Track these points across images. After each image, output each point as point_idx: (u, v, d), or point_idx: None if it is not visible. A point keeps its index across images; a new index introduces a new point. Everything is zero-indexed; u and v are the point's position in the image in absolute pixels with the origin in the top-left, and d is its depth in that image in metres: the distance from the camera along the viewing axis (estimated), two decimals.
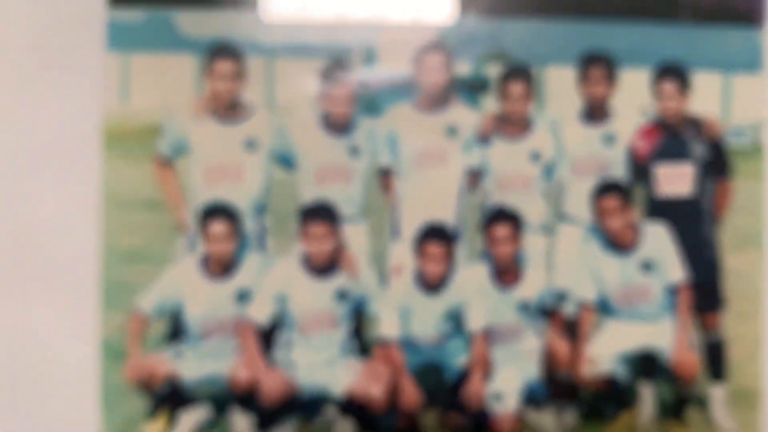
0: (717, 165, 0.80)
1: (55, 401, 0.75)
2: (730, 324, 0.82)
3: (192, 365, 0.80)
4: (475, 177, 0.82)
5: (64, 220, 0.75)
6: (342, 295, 0.80)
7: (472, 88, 0.80)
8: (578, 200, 0.82)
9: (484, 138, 0.81)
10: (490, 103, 0.80)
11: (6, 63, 0.73)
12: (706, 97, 0.80)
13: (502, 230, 0.79)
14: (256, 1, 0.79)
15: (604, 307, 0.82)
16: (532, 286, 0.82)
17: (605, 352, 0.82)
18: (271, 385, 0.78)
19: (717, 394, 0.82)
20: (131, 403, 0.78)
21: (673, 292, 0.82)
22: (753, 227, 0.79)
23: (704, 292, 0.82)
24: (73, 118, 0.74)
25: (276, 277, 0.80)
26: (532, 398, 0.83)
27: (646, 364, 0.83)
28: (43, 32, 0.73)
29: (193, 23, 0.76)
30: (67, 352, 0.75)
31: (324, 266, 0.79)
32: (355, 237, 0.82)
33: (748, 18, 0.77)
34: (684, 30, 0.78)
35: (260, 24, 0.77)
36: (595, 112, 0.80)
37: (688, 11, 0.77)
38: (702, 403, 0.83)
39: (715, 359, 0.83)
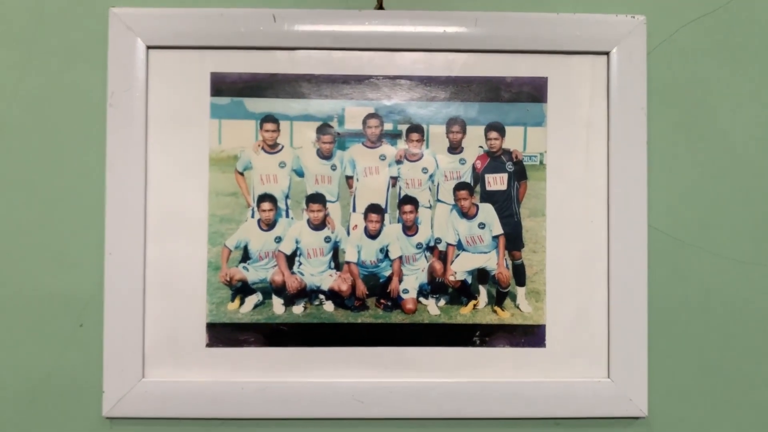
0: (519, 174, 1.11)
1: (184, 292, 1.08)
2: (527, 255, 1.12)
3: (253, 273, 1.11)
4: (394, 181, 1.12)
5: (192, 203, 1.08)
6: (327, 239, 1.13)
7: (392, 136, 1.12)
8: (447, 192, 1.13)
9: (398, 161, 1.12)
10: (402, 144, 1.12)
11: (162, 128, 1.08)
12: (514, 139, 1.12)
13: (408, 207, 1.12)
14: (284, 94, 1.09)
15: (460, 246, 1.13)
16: (423, 235, 1.13)
17: (461, 268, 1.13)
18: (291, 284, 1.11)
19: (520, 292, 1.11)
20: (222, 293, 1.10)
21: (496, 239, 1.13)
22: (538, 206, 1.11)
23: (512, 239, 1.12)
24: (196, 153, 1.08)
25: (294, 230, 1.11)
26: (423, 292, 1.13)
27: (482, 275, 1.14)
28: (184, 112, 1.08)
29: (254, 104, 1.09)
30: (190, 267, 1.08)
31: (318, 225, 1.12)
32: (334, 211, 1.13)
33: (537, 98, 1.11)
34: (502, 105, 1.10)
35: (286, 105, 1.09)
36: (455, 148, 1.11)
37: (505, 95, 1.10)
38: (513, 297, 1.12)
39: (519, 274, 1.12)
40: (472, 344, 1.12)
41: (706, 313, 1.14)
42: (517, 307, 1.13)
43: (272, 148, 1.11)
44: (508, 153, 1.13)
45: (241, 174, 1.11)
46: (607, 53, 1.11)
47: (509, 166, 1.13)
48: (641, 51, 1.11)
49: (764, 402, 1.14)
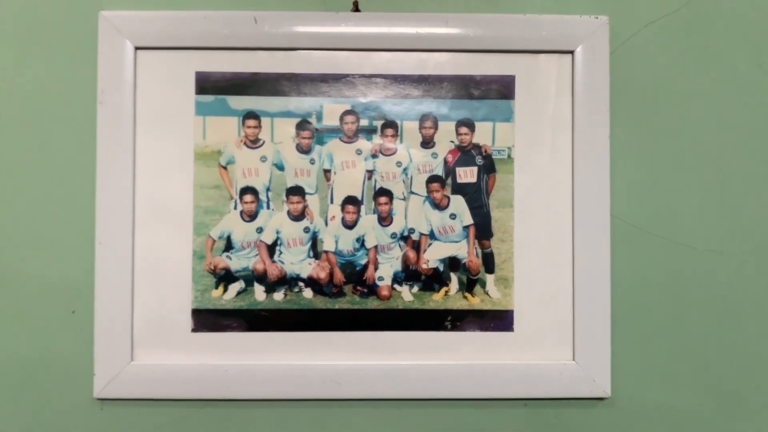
0: (488, 167, 1.14)
1: (171, 280, 1.11)
2: (495, 244, 1.15)
3: (236, 262, 1.13)
4: (370, 174, 1.14)
5: (178, 195, 1.11)
6: (306, 230, 1.15)
7: (367, 132, 1.14)
8: (420, 184, 1.16)
9: (374, 155, 1.14)
10: (377, 139, 1.14)
11: (149, 125, 1.10)
12: (484, 134, 1.14)
13: (383, 199, 1.14)
14: (265, 92, 1.11)
15: (432, 236, 1.16)
16: (397, 225, 1.15)
17: (433, 257, 1.16)
18: (272, 272, 1.13)
19: (489, 279, 1.14)
20: (206, 280, 1.12)
21: (466, 229, 1.16)
22: (506, 197, 1.14)
23: (482, 229, 1.15)
24: (181, 148, 1.11)
25: (275, 221, 1.13)
26: (397, 279, 1.16)
27: (453, 263, 1.16)
28: (170, 109, 1.10)
29: (237, 102, 1.11)
30: (176, 256, 1.11)
31: (298, 216, 1.14)
32: (313, 202, 1.15)
33: (505, 95, 1.14)
34: (472, 102, 1.13)
35: (267, 102, 1.12)
36: (427, 142, 1.14)
37: (475, 93, 1.13)
38: (482, 284, 1.15)
39: (488, 262, 1.15)
40: (444, 329, 1.15)
41: (665, 297, 1.18)
42: (487, 294, 1.16)
43: (254, 143, 1.14)
44: (477, 147, 1.16)
45: (225, 168, 1.14)
46: (571, 52, 1.14)
47: (479, 160, 1.16)
48: (604, 50, 1.14)
49: (722, 382, 1.18)
